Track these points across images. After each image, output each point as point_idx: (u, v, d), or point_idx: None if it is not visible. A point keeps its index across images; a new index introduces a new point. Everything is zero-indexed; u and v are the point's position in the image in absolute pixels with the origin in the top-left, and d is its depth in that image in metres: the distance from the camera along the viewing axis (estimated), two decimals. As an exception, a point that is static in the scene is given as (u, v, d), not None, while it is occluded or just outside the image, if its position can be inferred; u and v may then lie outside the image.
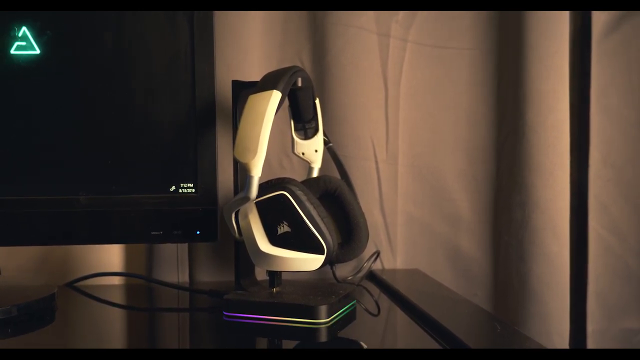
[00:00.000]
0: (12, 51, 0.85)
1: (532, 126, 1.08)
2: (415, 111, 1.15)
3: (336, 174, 0.90)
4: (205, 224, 0.89)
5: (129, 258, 1.13)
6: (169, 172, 0.89)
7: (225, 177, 0.98)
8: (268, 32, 1.09)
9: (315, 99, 0.87)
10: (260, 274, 0.86)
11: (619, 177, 1.12)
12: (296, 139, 0.89)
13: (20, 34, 0.85)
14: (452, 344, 0.72)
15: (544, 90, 1.07)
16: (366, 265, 1.07)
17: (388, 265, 1.13)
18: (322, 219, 0.76)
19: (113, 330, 0.88)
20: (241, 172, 0.83)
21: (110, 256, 1.12)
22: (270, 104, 0.73)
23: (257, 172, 0.73)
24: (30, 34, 0.85)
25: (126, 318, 0.94)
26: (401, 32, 1.12)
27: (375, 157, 1.11)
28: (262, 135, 0.72)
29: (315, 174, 0.89)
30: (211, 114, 0.89)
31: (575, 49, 1.13)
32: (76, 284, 1.04)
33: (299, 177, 0.86)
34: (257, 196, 0.75)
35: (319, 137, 0.89)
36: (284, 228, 0.76)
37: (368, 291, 1.00)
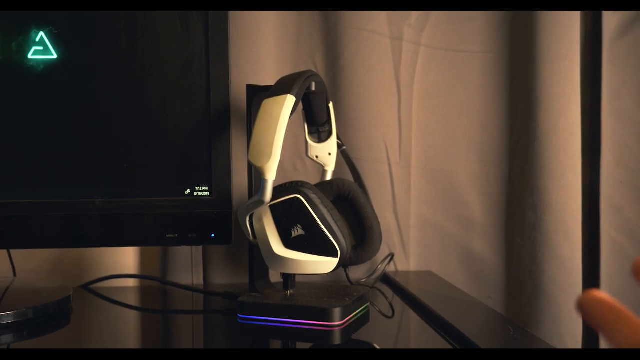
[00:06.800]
0: (30, 56, 0.86)
1: (543, 129, 1.08)
2: (428, 114, 1.15)
3: (350, 177, 0.91)
4: (220, 226, 0.89)
5: (143, 260, 1.14)
6: (184, 176, 0.90)
7: (239, 180, 0.99)
8: (281, 37, 1.09)
9: (329, 103, 0.88)
10: (274, 277, 0.87)
11: (632, 179, 1.12)
12: (310, 142, 0.89)
13: (38, 39, 0.86)
14: (465, 346, 0.73)
15: (555, 93, 1.07)
16: (380, 268, 1.07)
17: (401, 267, 1.14)
18: (335, 222, 0.77)
19: (128, 333, 0.89)
20: (255, 176, 0.84)
21: (125, 258, 1.13)
22: (284, 109, 0.74)
23: (271, 175, 0.74)
24: (48, 39, 0.86)
25: (141, 320, 0.94)
26: (414, 36, 1.12)
27: (388, 159, 1.11)
28: (277, 140, 0.73)
29: (329, 176, 0.89)
30: (226, 117, 0.89)
31: (586, 52, 1.12)
32: (91, 286, 1.05)
33: (313, 179, 0.86)
34: (272, 199, 0.75)
35: (333, 140, 0.89)
36: (298, 231, 0.76)
37: (382, 293, 1.01)
